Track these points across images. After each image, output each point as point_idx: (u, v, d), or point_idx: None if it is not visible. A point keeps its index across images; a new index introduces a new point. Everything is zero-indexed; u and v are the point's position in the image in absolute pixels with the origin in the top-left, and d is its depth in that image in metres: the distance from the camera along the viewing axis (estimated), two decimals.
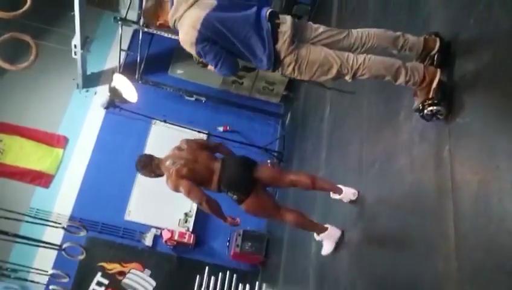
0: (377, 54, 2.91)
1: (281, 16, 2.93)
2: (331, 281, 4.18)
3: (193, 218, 7.67)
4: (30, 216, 5.57)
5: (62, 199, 7.60)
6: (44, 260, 6.59)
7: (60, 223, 4.76)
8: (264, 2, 3.02)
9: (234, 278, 7.20)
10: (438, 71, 2.76)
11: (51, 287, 5.81)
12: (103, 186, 7.75)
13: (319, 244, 4.23)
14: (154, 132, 8.22)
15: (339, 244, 4.00)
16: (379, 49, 2.98)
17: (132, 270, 7.29)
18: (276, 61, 2.88)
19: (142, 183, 7.74)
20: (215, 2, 2.91)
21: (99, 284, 7.17)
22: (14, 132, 7.84)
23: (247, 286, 7.17)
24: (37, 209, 6.57)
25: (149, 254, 7.39)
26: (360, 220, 3.73)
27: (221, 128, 8.30)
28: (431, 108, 2.69)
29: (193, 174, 3.70)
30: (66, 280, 5.50)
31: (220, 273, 7.24)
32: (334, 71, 2.86)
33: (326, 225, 4.05)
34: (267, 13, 2.89)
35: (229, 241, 7.38)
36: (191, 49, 2.95)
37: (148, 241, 7.40)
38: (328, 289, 4.20)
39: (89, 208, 7.44)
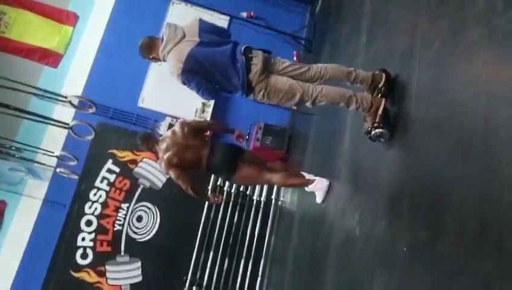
0: (334, 85, 3.49)
1: (253, 51, 3.46)
2: (370, 177, 3.69)
3: (211, 108, 7.18)
4: (39, 88, 5.05)
5: (71, 80, 7.08)
6: (52, 143, 6.20)
7: (65, 97, 4.24)
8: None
9: None
10: (383, 100, 3.32)
11: (58, 169, 5.41)
12: (115, 69, 7.20)
13: (353, 140, 4.07)
14: (172, 13, 7.53)
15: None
16: (335, 80, 3.55)
17: (145, 159, 6.90)
18: (249, 88, 3.41)
19: (158, 68, 7.18)
20: (197, 39, 3.48)
21: (110, 171, 6.82)
22: (20, 5, 7.19)
23: (265, 185, 6.76)
24: (45, 89, 6.05)
25: None
26: (412, 111, 3.15)
27: (244, 14, 7.56)
28: (377, 130, 3.22)
29: (183, 161, 4.11)
30: (74, 163, 5.09)
31: None
32: (297, 98, 3.43)
33: (314, 178, 4.46)
34: (242, 48, 3.43)
35: (248, 134, 6.91)
36: (177, 78, 3.47)
37: (162, 130, 6.93)
38: (366, 185, 3.71)
39: (100, 92, 6.85)
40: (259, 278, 6.44)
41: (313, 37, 7.05)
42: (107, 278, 6.48)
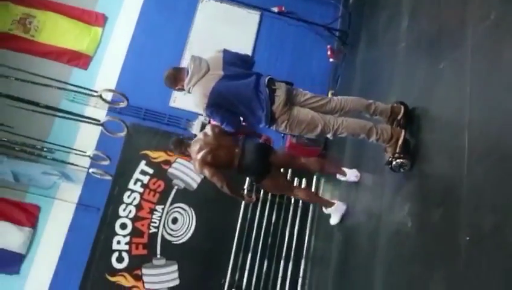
0: (354, 117, 3.62)
1: (276, 83, 3.56)
2: (418, 166, 3.43)
3: None
4: (69, 84, 4.95)
5: (101, 82, 6.94)
6: (85, 144, 6.04)
7: (96, 92, 4.11)
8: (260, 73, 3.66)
9: (289, 170, 6.52)
10: (403, 131, 3.42)
11: (91, 170, 5.29)
12: (146, 69, 7.08)
13: None
14: (202, 10, 7.41)
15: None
16: (355, 113, 3.66)
17: (178, 160, 6.72)
18: (272, 119, 3.50)
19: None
20: (222, 72, 3.52)
21: (143, 173, 6.68)
22: (48, 8, 7.17)
23: (304, 179, 6.51)
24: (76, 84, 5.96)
25: None
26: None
27: (275, 9, 7.34)
28: (398, 160, 3.31)
29: (216, 159, 4.28)
30: (107, 163, 4.95)
31: None
32: (318, 130, 3.53)
33: (333, 201, 4.86)
34: (266, 80, 3.53)
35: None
36: (202, 111, 3.65)
37: (195, 129, 6.78)
38: (415, 174, 3.45)
39: (130, 93, 6.49)
40: (300, 280, 6.18)
41: (348, 28, 6.80)
42: (143, 282, 6.32)
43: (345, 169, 4.69)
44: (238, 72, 3.60)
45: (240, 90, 3.51)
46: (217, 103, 3.52)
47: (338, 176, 4.79)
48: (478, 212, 2.38)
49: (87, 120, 4.44)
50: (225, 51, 3.71)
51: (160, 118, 6.97)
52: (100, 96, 4.06)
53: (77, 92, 5.14)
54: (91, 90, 4.52)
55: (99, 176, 5.37)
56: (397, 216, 3.44)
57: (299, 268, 6.25)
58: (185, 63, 7.00)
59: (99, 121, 4.24)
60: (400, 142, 3.38)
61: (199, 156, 4.27)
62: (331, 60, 7.09)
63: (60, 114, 4.69)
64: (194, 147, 4.36)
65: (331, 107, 3.61)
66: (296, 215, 6.48)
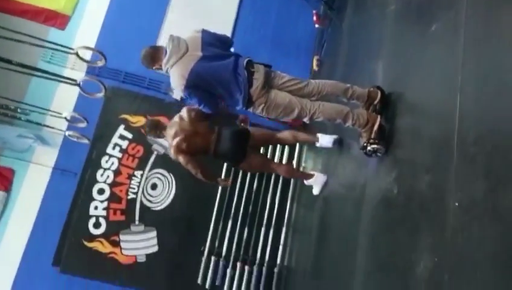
0: (331, 101, 3.65)
1: (255, 65, 3.55)
2: (406, 130, 3.34)
3: None
4: (45, 40, 4.76)
5: (79, 43, 6.68)
6: (62, 106, 5.83)
7: (72, 49, 3.92)
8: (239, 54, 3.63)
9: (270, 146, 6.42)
10: (379, 117, 3.46)
11: (67, 133, 5.11)
12: (126, 31, 6.92)
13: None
14: None
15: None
16: (332, 97, 3.67)
17: None
18: (249, 102, 3.50)
19: (170, 29, 6.83)
20: (200, 53, 3.46)
21: (122, 137, 6.54)
22: None
23: (286, 147, 6.42)
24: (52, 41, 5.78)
25: (178, 108, 6.44)
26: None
27: None
28: (372, 146, 3.33)
29: (191, 147, 4.26)
30: (83, 125, 4.79)
31: None
32: (295, 114, 3.55)
33: (312, 172, 4.94)
34: (245, 62, 3.51)
35: None
36: (180, 92, 3.63)
37: (176, 94, 6.61)
38: (403, 139, 3.38)
39: (110, 55, 6.35)
40: (281, 247, 6.14)
41: None
42: (121, 248, 6.23)
43: (318, 135, 4.69)
44: (217, 53, 3.56)
45: (218, 71, 3.48)
46: (195, 84, 3.47)
47: (316, 144, 4.78)
48: (469, 178, 2.29)
49: (63, 80, 4.25)
50: (204, 31, 3.63)
51: (140, 81, 6.79)
52: (77, 53, 3.87)
53: (53, 49, 4.92)
54: (68, 48, 4.32)
55: (76, 139, 5.21)
56: (383, 183, 3.35)
57: (280, 236, 6.20)
58: (167, 27, 6.94)
59: (75, 80, 4.06)
60: (375, 127, 3.42)
61: (174, 142, 4.25)
62: (316, 26, 6.93)
63: (36, 73, 4.48)
64: (170, 131, 4.33)
65: (308, 91, 3.61)
66: (278, 183, 6.42)
